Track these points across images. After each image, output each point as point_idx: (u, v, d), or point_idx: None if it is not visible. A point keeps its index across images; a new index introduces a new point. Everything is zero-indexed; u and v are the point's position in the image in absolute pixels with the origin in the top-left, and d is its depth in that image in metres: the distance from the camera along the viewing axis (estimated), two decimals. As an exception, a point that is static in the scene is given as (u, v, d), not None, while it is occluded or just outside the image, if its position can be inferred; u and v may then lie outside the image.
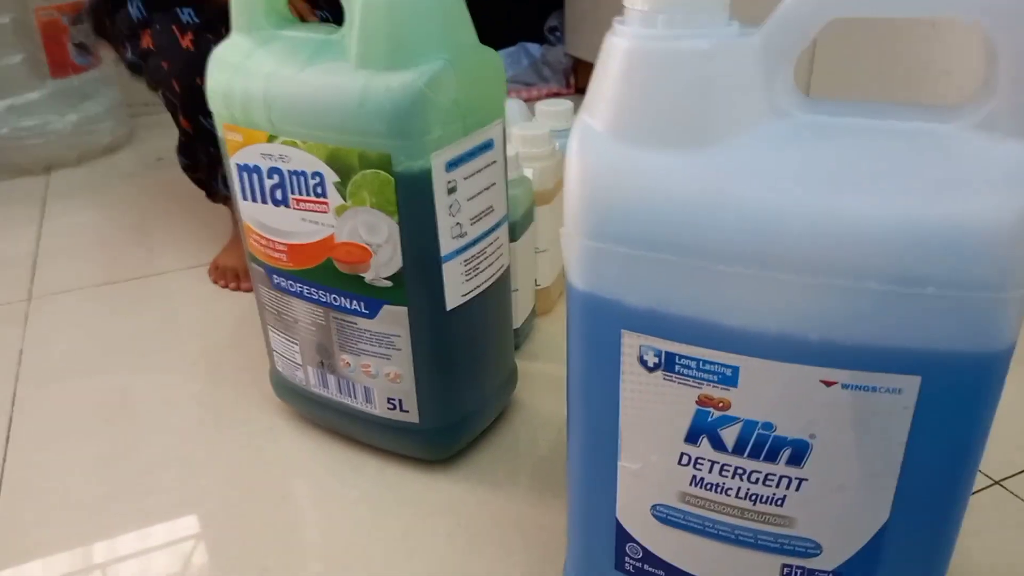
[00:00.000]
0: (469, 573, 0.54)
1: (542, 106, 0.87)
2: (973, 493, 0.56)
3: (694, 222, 0.33)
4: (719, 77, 0.32)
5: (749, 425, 0.36)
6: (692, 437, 0.37)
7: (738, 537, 0.39)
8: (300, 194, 0.55)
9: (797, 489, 0.36)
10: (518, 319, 0.76)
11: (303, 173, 0.54)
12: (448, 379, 0.60)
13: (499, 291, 0.62)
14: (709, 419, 0.36)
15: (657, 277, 0.35)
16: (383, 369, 0.59)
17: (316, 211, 0.55)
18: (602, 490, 0.42)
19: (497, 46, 0.55)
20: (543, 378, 0.75)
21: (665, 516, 0.40)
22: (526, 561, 0.55)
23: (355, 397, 0.62)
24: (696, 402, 0.36)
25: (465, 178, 0.54)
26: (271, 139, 0.54)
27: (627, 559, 0.43)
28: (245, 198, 0.59)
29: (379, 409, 0.61)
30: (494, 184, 0.58)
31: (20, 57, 1.30)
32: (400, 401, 0.60)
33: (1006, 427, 0.54)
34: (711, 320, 0.34)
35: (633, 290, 0.36)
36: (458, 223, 0.55)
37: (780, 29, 0.31)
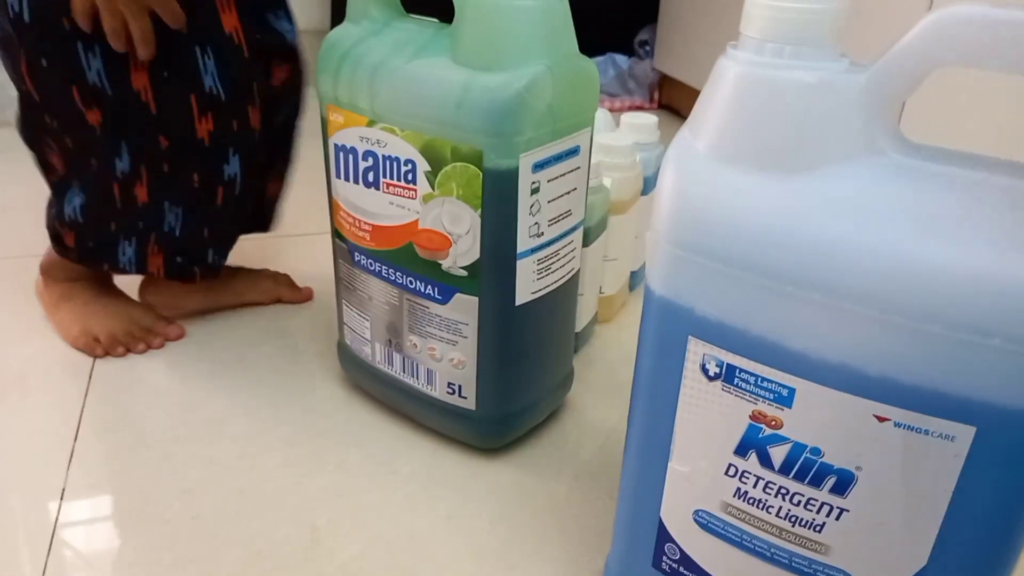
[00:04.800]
0: (507, 560, 0.56)
1: (628, 118, 0.88)
2: None
3: (773, 244, 0.34)
4: (819, 110, 0.33)
5: (798, 447, 0.36)
6: (741, 450, 0.38)
7: (773, 555, 0.39)
8: (391, 178, 0.58)
9: (837, 518, 0.37)
10: (579, 323, 0.78)
11: (397, 159, 0.57)
12: (508, 371, 0.62)
13: (567, 293, 0.64)
14: (760, 435, 0.37)
15: (730, 291, 0.36)
16: (448, 354, 0.61)
17: (404, 196, 0.57)
18: (651, 487, 0.43)
19: (586, 54, 0.57)
20: (597, 384, 0.76)
21: (706, 523, 0.41)
22: (563, 556, 0.56)
23: (417, 378, 0.64)
24: (750, 417, 0.37)
25: (549, 180, 0.56)
26: (371, 124, 0.57)
27: (665, 559, 0.44)
28: (339, 176, 0.62)
29: (439, 392, 0.64)
30: (575, 189, 0.60)
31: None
32: (460, 387, 0.62)
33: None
34: (775, 340, 0.35)
35: (705, 300, 0.37)
36: (536, 223, 0.57)
37: (886, 73, 0.32)
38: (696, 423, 0.40)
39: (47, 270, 0.80)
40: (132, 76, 0.65)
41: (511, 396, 0.63)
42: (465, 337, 0.60)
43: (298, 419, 0.70)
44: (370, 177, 0.59)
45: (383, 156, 0.57)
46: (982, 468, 0.32)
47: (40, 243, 0.98)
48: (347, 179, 0.61)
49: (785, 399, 0.36)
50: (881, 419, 0.33)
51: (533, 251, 0.58)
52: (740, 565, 0.41)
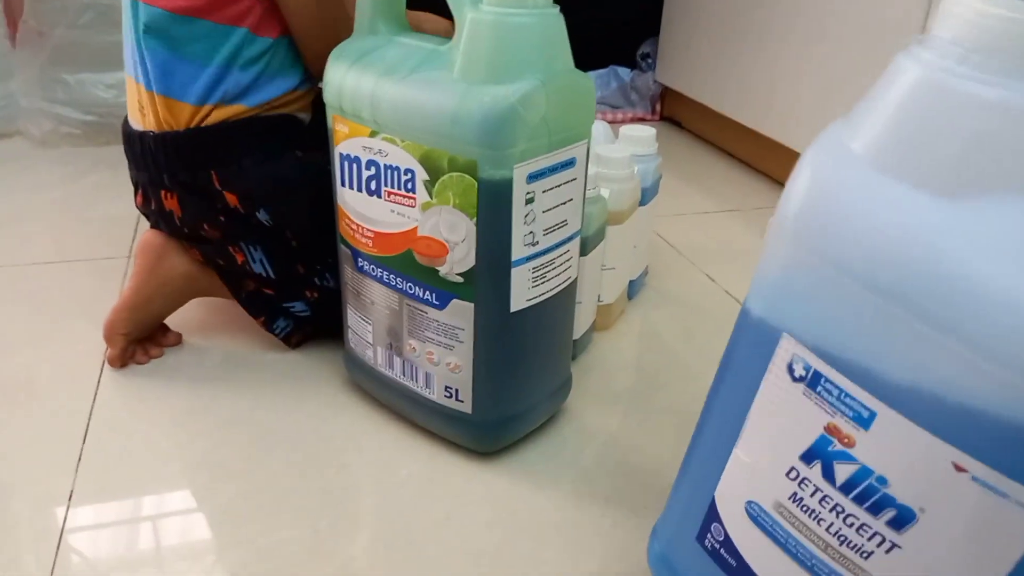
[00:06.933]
0: (503, 561, 0.57)
1: (626, 130, 0.90)
2: None
3: (913, 271, 0.31)
4: (995, 132, 0.30)
5: (865, 471, 0.35)
6: (808, 457, 0.37)
7: (813, 567, 0.38)
8: (392, 187, 0.59)
9: (887, 552, 0.35)
10: (577, 331, 0.79)
11: (397, 168, 0.58)
12: (504, 376, 0.63)
13: (564, 301, 0.65)
14: (829, 448, 0.36)
15: (843, 303, 0.34)
16: (445, 358, 0.63)
17: (404, 204, 0.59)
18: (712, 466, 0.43)
19: (589, 67, 0.59)
20: (595, 391, 0.77)
21: (756, 515, 0.41)
22: (558, 559, 0.58)
23: (416, 381, 0.66)
24: (824, 428, 0.36)
25: (544, 191, 0.58)
26: (373, 134, 0.59)
27: (709, 536, 0.44)
28: (343, 184, 0.64)
29: (436, 395, 0.65)
30: (571, 200, 0.61)
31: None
32: (456, 391, 0.64)
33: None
34: (872, 361, 0.33)
35: (813, 303, 0.35)
36: (531, 232, 0.59)
37: None
38: (769, 418, 0.39)
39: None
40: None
41: (506, 401, 0.65)
42: (461, 342, 0.61)
43: (301, 422, 0.71)
44: (372, 185, 0.61)
45: (384, 165, 0.59)
46: None
47: (42, 252, 1.00)
48: (351, 187, 0.63)
49: (864, 420, 0.34)
50: (959, 468, 0.31)
51: (528, 259, 0.59)
52: (779, 566, 0.40)
